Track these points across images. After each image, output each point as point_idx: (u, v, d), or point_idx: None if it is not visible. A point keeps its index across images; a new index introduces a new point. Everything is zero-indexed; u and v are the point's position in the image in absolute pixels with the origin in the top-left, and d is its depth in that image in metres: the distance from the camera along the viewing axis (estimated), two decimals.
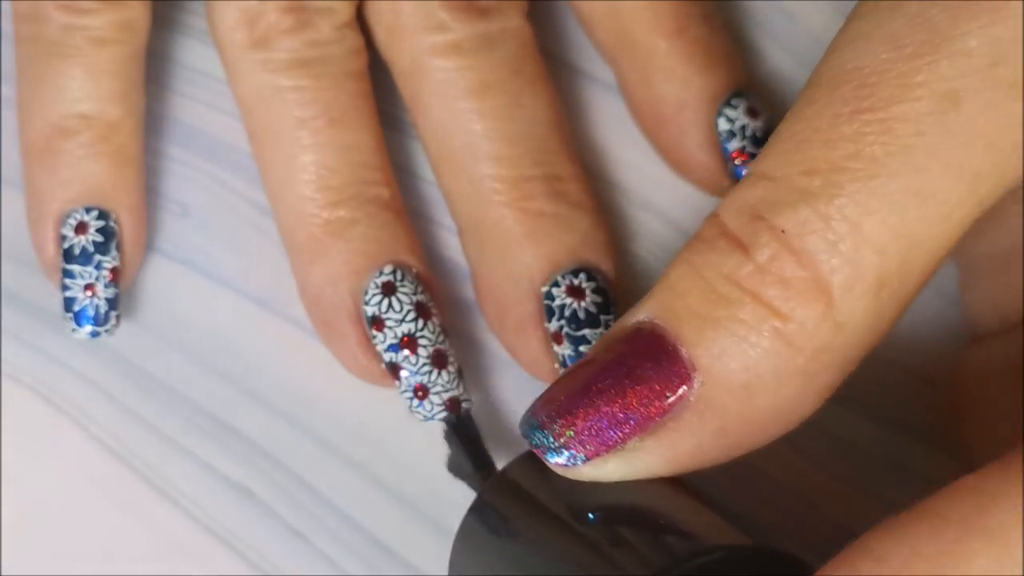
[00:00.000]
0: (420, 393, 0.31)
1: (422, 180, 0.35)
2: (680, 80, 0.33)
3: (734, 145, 0.32)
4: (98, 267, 0.32)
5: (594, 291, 0.31)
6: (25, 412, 0.33)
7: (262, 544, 0.32)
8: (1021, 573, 0.20)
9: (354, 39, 0.33)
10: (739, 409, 0.23)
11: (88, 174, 0.33)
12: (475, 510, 0.27)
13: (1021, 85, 0.23)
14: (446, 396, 0.31)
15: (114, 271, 0.33)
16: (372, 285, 0.32)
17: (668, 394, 0.23)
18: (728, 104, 0.33)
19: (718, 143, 0.33)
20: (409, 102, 0.33)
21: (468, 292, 0.34)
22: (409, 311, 0.31)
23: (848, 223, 0.23)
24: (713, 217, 0.24)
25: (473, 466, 0.30)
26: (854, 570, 0.21)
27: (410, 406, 0.31)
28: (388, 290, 0.31)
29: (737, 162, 0.32)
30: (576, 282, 0.31)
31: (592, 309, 0.31)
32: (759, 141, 0.32)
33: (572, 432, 0.24)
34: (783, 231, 0.23)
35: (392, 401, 0.32)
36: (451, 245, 0.34)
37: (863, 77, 0.23)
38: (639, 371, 0.24)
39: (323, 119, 0.32)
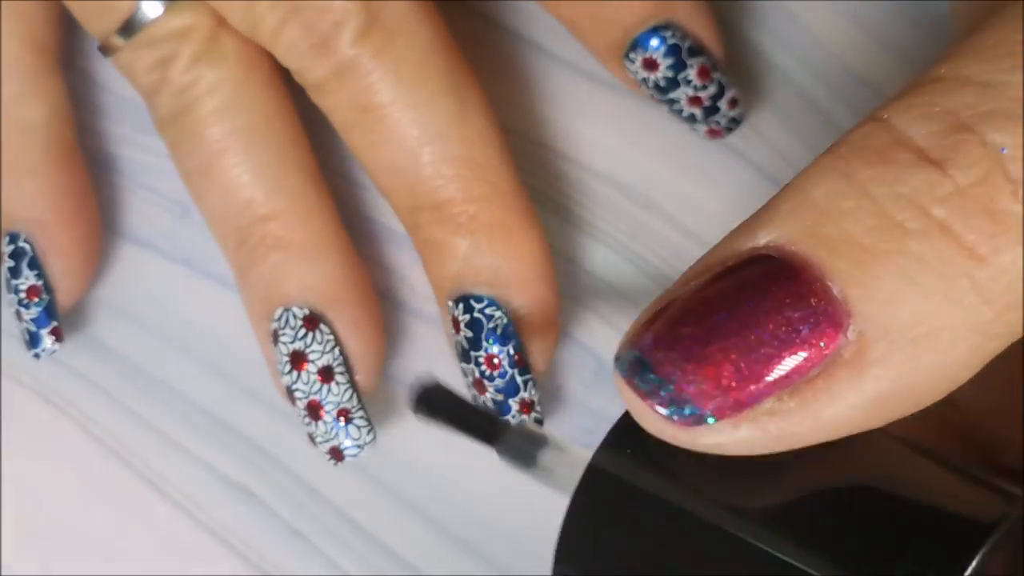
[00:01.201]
0: (311, 441, 0.31)
1: None
2: (582, 34, 0.32)
3: (647, 94, 0.32)
4: (16, 292, 0.32)
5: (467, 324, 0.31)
6: (25, 412, 0.33)
7: (262, 544, 0.32)
8: None
9: (209, 74, 0.31)
10: (903, 372, 0.18)
11: None
12: (581, 495, 0.21)
13: None
14: (326, 446, 0.31)
15: (32, 291, 0.32)
16: (269, 331, 0.31)
17: (817, 339, 0.18)
18: (627, 57, 0.32)
19: (635, 82, 0.32)
20: None
21: None
22: (286, 362, 0.31)
23: None
24: (878, 121, 0.19)
25: (473, 435, 0.24)
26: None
27: (332, 465, 0.31)
28: (275, 339, 0.31)
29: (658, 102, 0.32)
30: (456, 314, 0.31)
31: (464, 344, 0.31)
32: (663, 89, 0.32)
33: (687, 363, 0.18)
34: (1003, 149, 0.18)
35: (392, 401, 0.32)
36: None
37: None
38: (786, 314, 0.18)
39: (196, 172, 0.32)
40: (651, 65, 0.32)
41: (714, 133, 0.33)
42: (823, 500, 0.19)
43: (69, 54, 0.35)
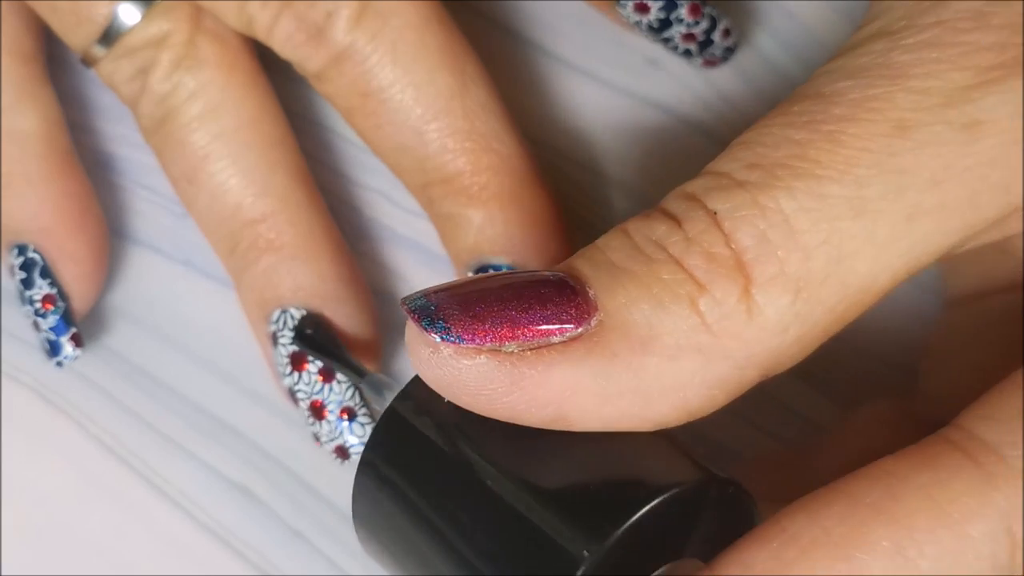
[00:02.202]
0: (316, 440, 0.31)
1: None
2: None
3: (641, 35, 0.33)
4: (31, 303, 0.32)
5: None
6: (25, 412, 0.33)
7: (262, 544, 0.32)
8: (920, 558, 0.21)
9: (188, 81, 0.31)
10: (628, 360, 0.22)
11: None
12: (370, 448, 0.25)
13: (978, 128, 0.23)
14: (332, 445, 0.31)
15: (46, 299, 0.32)
16: (268, 332, 0.31)
17: (564, 318, 0.22)
18: (618, 2, 0.32)
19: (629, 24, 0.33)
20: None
21: None
22: (286, 364, 0.31)
23: (780, 215, 0.23)
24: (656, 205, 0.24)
25: (343, 371, 0.29)
26: (766, 546, 0.22)
27: (339, 464, 0.31)
28: (274, 341, 0.31)
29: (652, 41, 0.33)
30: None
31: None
32: (656, 30, 0.32)
33: (457, 312, 0.22)
34: (715, 212, 0.23)
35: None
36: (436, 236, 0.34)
37: (822, 97, 0.24)
38: (543, 293, 0.23)
39: (183, 180, 0.32)
40: (643, 8, 0.32)
41: (710, 63, 0.34)
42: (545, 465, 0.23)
43: (68, 54, 0.35)
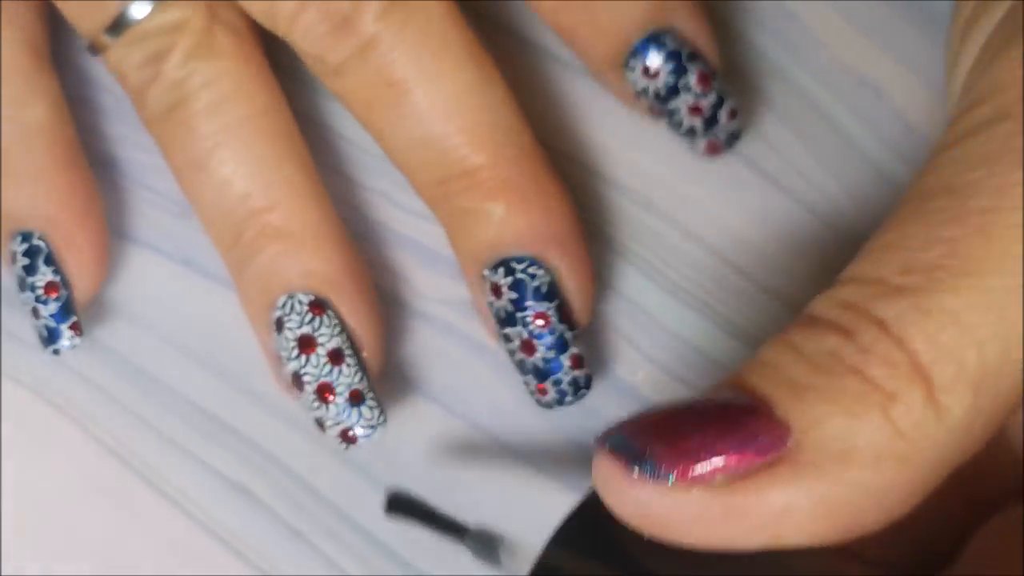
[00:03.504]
0: (319, 426, 0.31)
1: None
2: (578, 46, 0.32)
3: (644, 104, 0.32)
4: (32, 289, 0.32)
5: (511, 287, 0.31)
6: (25, 412, 0.33)
7: (262, 544, 0.32)
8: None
9: (204, 69, 0.31)
10: (835, 476, 0.23)
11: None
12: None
13: None
14: (337, 429, 0.31)
15: (50, 286, 0.32)
16: (272, 322, 0.31)
17: (762, 443, 0.23)
18: (626, 65, 0.32)
19: (634, 94, 0.32)
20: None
21: (465, 291, 0.34)
22: (293, 347, 0.31)
23: (948, 315, 0.23)
24: (803, 314, 0.24)
25: (440, 533, 0.29)
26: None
27: (343, 448, 0.31)
28: (279, 326, 0.31)
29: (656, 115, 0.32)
30: (495, 279, 0.31)
31: (509, 308, 0.31)
32: (663, 98, 0.32)
33: (661, 447, 0.23)
34: (882, 320, 0.23)
35: (391, 401, 0.32)
36: (446, 241, 0.34)
37: (957, 190, 0.24)
38: (735, 420, 0.23)
39: (190, 167, 0.32)
40: (651, 73, 0.32)
41: (713, 148, 0.33)
42: None
43: (68, 54, 0.35)
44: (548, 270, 0.31)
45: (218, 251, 0.32)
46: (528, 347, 0.31)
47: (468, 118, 0.31)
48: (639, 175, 0.34)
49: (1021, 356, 0.23)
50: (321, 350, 0.31)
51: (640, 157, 0.34)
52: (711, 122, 0.32)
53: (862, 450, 0.23)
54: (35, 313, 0.32)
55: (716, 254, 0.34)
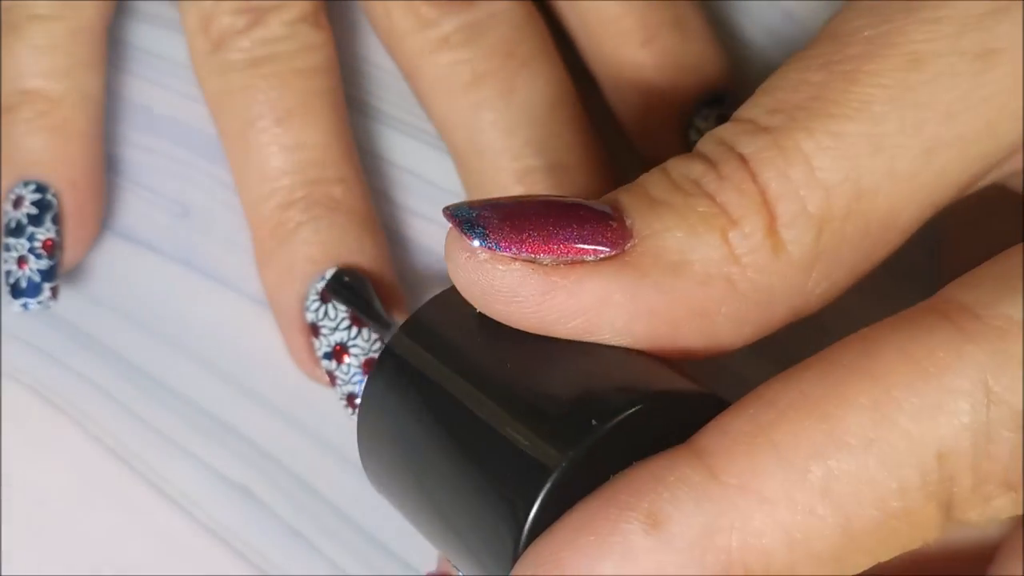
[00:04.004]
0: (351, 401, 0.31)
1: (422, 179, 0.35)
2: (649, 93, 0.33)
3: None
4: (30, 239, 0.32)
5: None
6: (25, 412, 0.33)
7: (262, 544, 0.32)
8: (898, 413, 0.21)
9: (309, 34, 0.33)
10: (658, 280, 0.23)
11: (27, 149, 0.33)
12: (382, 359, 0.26)
13: (992, 56, 0.23)
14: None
15: (48, 243, 0.32)
16: (312, 291, 0.32)
17: (600, 239, 0.23)
18: (699, 114, 0.32)
19: None
20: (419, 102, 0.33)
21: None
22: (343, 319, 0.31)
23: (800, 154, 0.23)
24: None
25: (370, 322, 0.30)
26: (745, 412, 0.21)
27: (349, 414, 0.31)
28: (325, 297, 0.31)
29: None
30: None
31: None
32: None
33: (496, 221, 0.23)
34: (743, 155, 0.24)
35: None
36: (430, 233, 0.34)
37: (837, 37, 0.24)
38: (582, 215, 0.23)
39: (268, 119, 0.32)
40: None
41: None
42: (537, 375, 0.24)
43: None
44: None
45: (260, 209, 0.32)
46: None
47: (569, 110, 0.33)
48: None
49: (870, 206, 0.23)
50: (374, 326, 0.31)
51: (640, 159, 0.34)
52: None
53: (693, 264, 0.23)
54: (21, 261, 0.32)
55: None
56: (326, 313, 0.31)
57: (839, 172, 0.23)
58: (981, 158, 0.24)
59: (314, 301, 0.31)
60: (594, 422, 0.22)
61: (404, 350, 0.25)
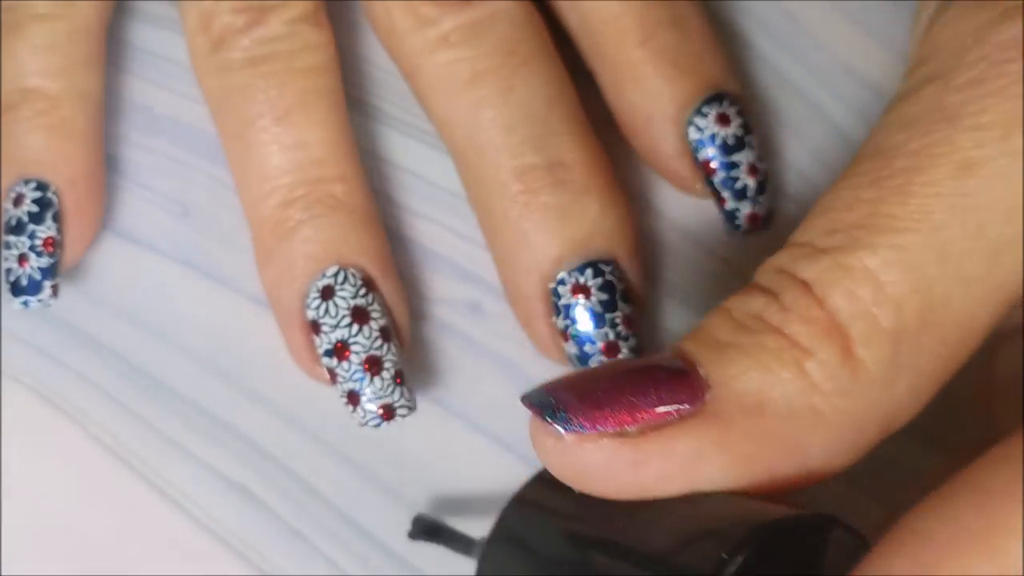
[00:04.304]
0: (352, 399, 0.31)
1: (422, 179, 0.35)
2: (647, 91, 0.33)
3: (704, 154, 0.32)
4: (31, 237, 0.32)
5: (600, 287, 0.31)
6: (25, 412, 0.33)
7: (262, 544, 0.32)
8: None
9: (309, 34, 0.33)
10: (745, 427, 0.23)
11: (27, 147, 0.33)
12: (498, 533, 0.27)
13: None
14: (379, 403, 0.31)
15: (49, 241, 0.33)
16: (314, 289, 0.31)
17: (679, 397, 0.23)
18: (698, 112, 0.32)
19: (689, 151, 0.33)
20: (420, 102, 0.33)
21: (467, 293, 0.34)
22: (344, 316, 0.31)
23: (866, 272, 0.23)
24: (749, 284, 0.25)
25: (459, 551, 0.30)
26: (904, 551, 0.21)
27: (349, 412, 0.31)
28: (326, 294, 0.31)
29: (708, 170, 0.32)
30: (582, 280, 0.31)
31: (597, 308, 0.31)
32: (730, 148, 0.32)
33: (576, 402, 0.24)
34: (805, 281, 0.24)
35: None
36: (450, 244, 0.34)
37: (882, 153, 0.24)
38: (657, 377, 0.24)
39: (268, 117, 0.32)
40: (724, 120, 0.32)
41: (755, 219, 0.33)
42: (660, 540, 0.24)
43: None
44: (624, 275, 0.32)
45: (259, 208, 0.32)
46: (613, 348, 0.31)
47: (566, 108, 0.32)
48: (639, 176, 0.34)
49: (943, 313, 0.23)
50: (374, 324, 0.31)
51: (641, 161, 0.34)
52: (762, 188, 0.33)
53: (775, 402, 0.23)
54: (22, 259, 0.32)
55: (715, 254, 0.34)
56: (327, 310, 0.31)
57: (908, 284, 0.23)
58: None
59: (315, 299, 0.31)
60: (723, 555, 0.22)
61: (514, 530, 0.26)
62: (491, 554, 0.26)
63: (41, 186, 0.33)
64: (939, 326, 0.23)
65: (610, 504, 0.24)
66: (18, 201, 0.33)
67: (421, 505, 0.32)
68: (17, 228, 0.32)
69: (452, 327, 0.33)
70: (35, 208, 0.32)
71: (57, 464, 0.33)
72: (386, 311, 0.32)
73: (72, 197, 0.33)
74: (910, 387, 0.24)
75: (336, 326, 0.31)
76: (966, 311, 0.24)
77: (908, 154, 0.24)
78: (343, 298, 0.31)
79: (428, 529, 0.31)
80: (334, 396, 0.32)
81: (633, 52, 0.33)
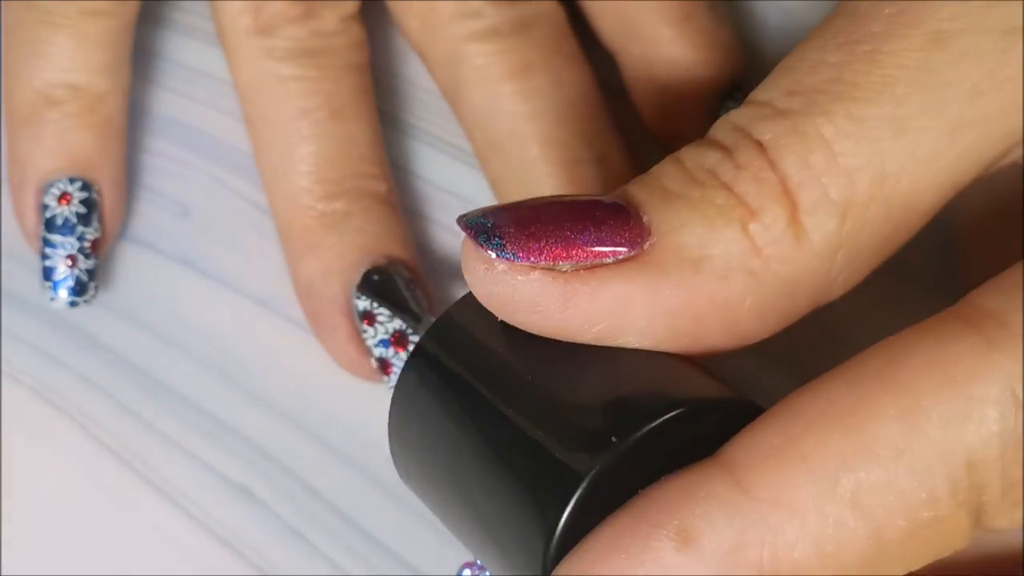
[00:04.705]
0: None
1: (421, 179, 0.35)
2: (684, 70, 0.33)
3: None
4: (80, 238, 0.33)
5: None
6: (25, 412, 0.33)
7: (262, 544, 0.32)
8: (926, 422, 0.21)
9: (358, 32, 0.33)
10: (680, 278, 0.23)
11: (74, 145, 0.33)
12: (415, 356, 0.25)
13: (1019, 33, 0.23)
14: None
15: (95, 243, 0.33)
16: (359, 279, 0.32)
17: (617, 240, 0.23)
18: (731, 96, 0.33)
19: None
20: (449, 93, 0.34)
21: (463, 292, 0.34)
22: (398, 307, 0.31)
23: (821, 140, 0.23)
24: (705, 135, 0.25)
25: (403, 319, 0.30)
26: (773, 426, 0.21)
27: None
28: (383, 285, 0.31)
29: None
30: None
31: None
32: None
33: (512, 230, 0.23)
34: (761, 142, 0.23)
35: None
36: (451, 244, 0.34)
37: (856, 14, 0.24)
38: (597, 216, 0.23)
39: (324, 110, 0.32)
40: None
41: None
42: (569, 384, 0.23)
43: None
44: None
45: (302, 198, 0.33)
46: None
47: (597, 107, 0.33)
48: None
49: (892, 190, 0.23)
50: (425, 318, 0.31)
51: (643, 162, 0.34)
52: None
53: (713, 259, 0.23)
54: (72, 260, 0.33)
55: None
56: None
57: (861, 157, 0.23)
58: (1004, 137, 0.23)
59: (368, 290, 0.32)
60: (626, 428, 0.22)
61: (436, 348, 0.25)
62: (410, 369, 0.25)
63: (86, 186, 0.33)
64: (886, 202, 0.23)
65: (532, 340, 0.23)
66: (64, 199, 0.33)
67: (421, 505, 0.32)
68: (64, 227, 0.33)
69: None
70: (83, 209, 0.33)
71: (57, 464, 0.33)
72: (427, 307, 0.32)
73: (112, 196, 0.33)
74: (849, 261, 0.23)
75: (393, 317, 0.31)
76: (915, 189, 0.23)
77: (882, 18, 0.23)
78: (395, 291, 0.31)
79: (376, 288, 0.31)
80: (334, 396, 0.33)
81: (670, 30, 0.33)
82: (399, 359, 0.31)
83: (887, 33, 0.23)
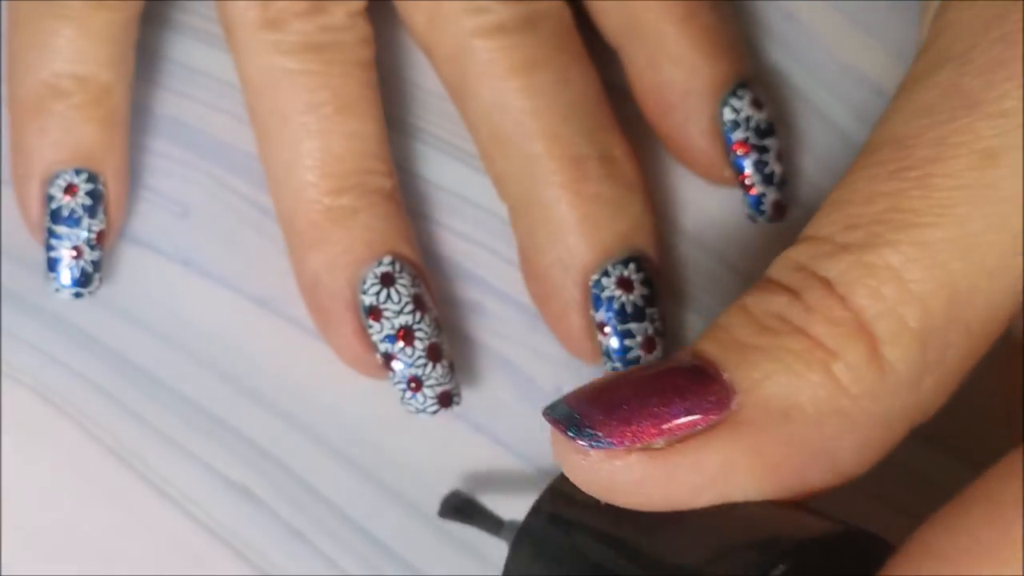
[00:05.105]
0: (414, 385, 0.31)
1: (421, 179, 0.35)
2: (687, 67, 0.33)
3: (738, 135, 0.33)
4: (88, 230, 0.33)
5: (642, 282, 0.31)
6: (25, 412, 0.33)
7: (262, 544, 0.32)
8: None
9: (365, 28, 0.33)
10: (775, 433, 0.23)
11: (80, 136, 0.33)
12: (525, 532, 0.26)
13: None
14: (439, 390, 0.31)
15: (100, 234, 0.33)
16: (371, 275, 0.32)
17: (705, 407, 0.23)
18: (733, 94, 0.33)
19: (720, 132, 0.33)
20: (454, 88, 0.34)
21: (468, 293, 0.34)
22: (407, 303, 0.31)
23: (890, 270, 0.23)
24: (762, 277, 0.24)
25: (487, 531, 0.30)
26: (915, 565, 0.21)
27: (402, 398, 0.31)
28: (387, 281, 0.31)
29: (739, 152, 0.33)
30: (626, 273, 0.31)
31: (639, 302, 0.31)
32: (762, 133, 0.33)
33: (601, 417, 0.23)
34: (827, 279, 0.23)
35: (393, 400, 0.32)
36: (451, 244, 0.34)
37: (900, 141, 0.24)
38: (680, 385, 0.23)
39: (331, 105, 0.32)
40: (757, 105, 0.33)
41: (779, 208, 0.33)
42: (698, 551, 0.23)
43: None
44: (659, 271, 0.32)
45: (308, 193, 0.32)
46: (650, 343, 0.31)
47: (603, 106, 0.33)
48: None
49: (968, 308, 0.23)
50: (431, 313, 0.32)
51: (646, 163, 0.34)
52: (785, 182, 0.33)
53: (803, 407, 0.23)
54: (78, 251, 0.33)
55: (715, 254, 0.34)
56: (388, 296, 0.31)
57: (933, 281, 0.23)
58: None
59: (374, 284, 0.31)
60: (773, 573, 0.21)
61: (544, 527, 0.25)
62: (516, 555, 0.26)
63: (92, 177, 0.33)
64: (965, 320, 0.23)
65: (640, 513, 0.23)
66: (69, 190, 0.33)
67: (421, 505, 0.32)
68: (70, 219, 0.33)
69: (453, 328, 0.33)
70: (88, 200, 0.33)
71: (57, 464, 0.33)
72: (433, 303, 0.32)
73: (116, 188, 0.33)
74: (936, 382, 0.23)
75: (400, 312, 0.31)
76: (990, 303, 0.23)
77: (927, 143, 0.23)
78: (404, 286, 0.31)
79: (460, 507, 0.30)
80: (334, 395, 0.33)
81: (674, 27, 0.33)
82: (404, 354, 0.31)
83: (937, 157, 0.23)
